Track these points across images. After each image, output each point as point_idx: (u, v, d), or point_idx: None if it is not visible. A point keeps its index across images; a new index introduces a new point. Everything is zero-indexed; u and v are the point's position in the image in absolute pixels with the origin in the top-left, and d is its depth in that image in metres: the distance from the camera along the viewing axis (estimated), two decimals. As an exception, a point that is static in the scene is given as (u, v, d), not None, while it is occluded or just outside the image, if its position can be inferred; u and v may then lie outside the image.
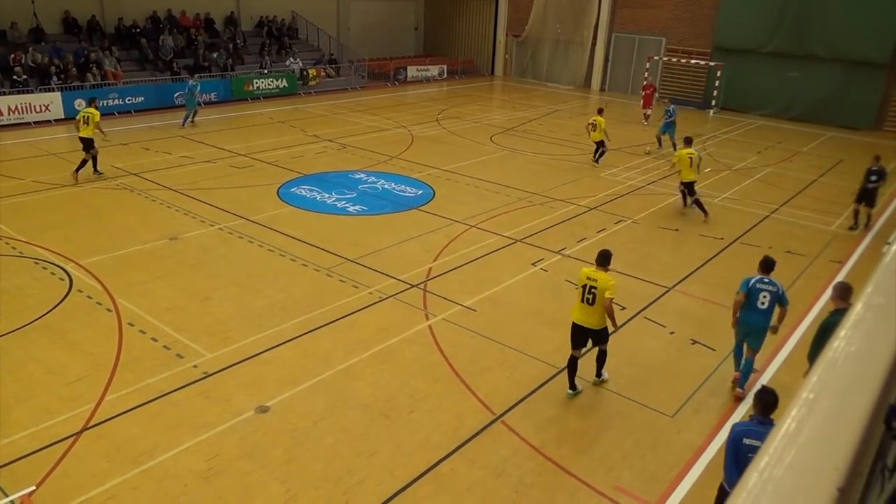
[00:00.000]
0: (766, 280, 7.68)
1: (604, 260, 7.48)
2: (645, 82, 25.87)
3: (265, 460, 6.53)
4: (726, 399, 7.89)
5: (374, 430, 7.04)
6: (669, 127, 19.37)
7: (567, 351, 7.71)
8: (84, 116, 15.15)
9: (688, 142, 14.34)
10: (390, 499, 6.10)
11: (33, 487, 6.03)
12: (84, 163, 15.06)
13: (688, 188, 14.18)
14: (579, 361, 7.73)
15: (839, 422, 1.14)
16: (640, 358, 8.69)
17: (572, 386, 7.71)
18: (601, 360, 7.89)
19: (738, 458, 4.84)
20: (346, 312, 9.48)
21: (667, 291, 10.63)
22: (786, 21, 25.64)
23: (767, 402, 5.04)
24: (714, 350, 8.89)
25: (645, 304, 10.15)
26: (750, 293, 7.57)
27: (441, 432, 7.04)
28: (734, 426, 5.19)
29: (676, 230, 13.45)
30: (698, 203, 14.12)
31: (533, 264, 11.43)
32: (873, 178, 13.63)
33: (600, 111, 17.84)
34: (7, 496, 5.93)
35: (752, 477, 1.07)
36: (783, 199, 15.85)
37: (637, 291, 10.55)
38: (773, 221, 14.30)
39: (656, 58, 29.23)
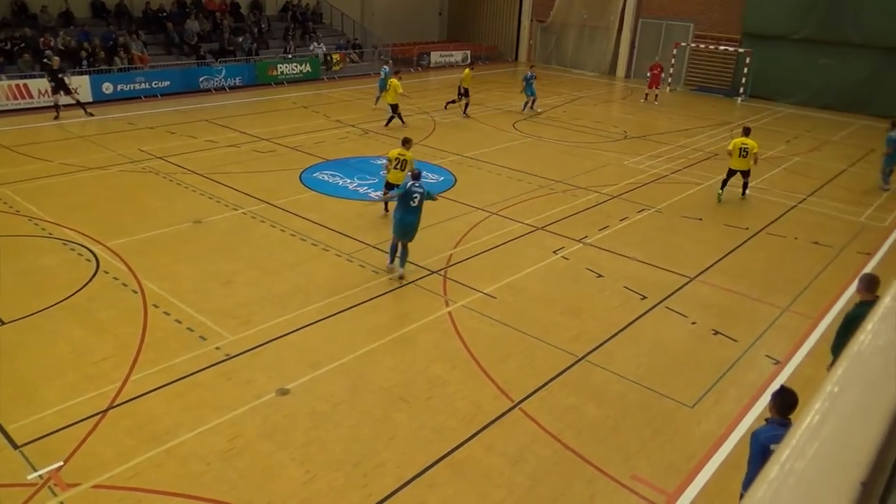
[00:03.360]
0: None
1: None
2: (654, 62, 25.94)
3: (285, 442, 6.62)
4: (748, 390, 7.81)
5: (393, 415, 7.09)
6: (528, 88, 22.36)
7: (589, 339, 7.69)
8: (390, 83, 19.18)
9: (746, 132, 13.98)
10: (408, 482, 6.15)
11: (61, 463, 6.18)
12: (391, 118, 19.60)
13: (730, 175, 14.14)
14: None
15: (864, 416, 1.12)
16: (660, 348, 8.63)
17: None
18: None
19: (764, 465, 4.62)
20: (367, 298, 9.54)
21: (689, 281, 10.53)
22: (818, 6, 25.02)
23: (789, 403, 4.82)
24: (736, 341, 8.80)
25: (667, 293, 10.06)
26: None
27: (459, 418, 7.07)
28: (757, 434, 4.87)
29: (700, 219, 13.29)
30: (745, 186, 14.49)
31: (554, 252, 11.37)
32: None
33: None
34: (36, 471, 6.08)
35: (774, 469, 1.06)
36: (811, 189, 15.56)
37: (659, 281, 10.45)
38: (800, 212, 14.06)
39: (683, 44, 28.76)
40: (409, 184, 9.60)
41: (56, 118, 19.17)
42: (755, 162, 13.90)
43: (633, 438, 6.90)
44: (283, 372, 7.73)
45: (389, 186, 11.88)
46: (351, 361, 8.01)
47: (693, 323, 9.28)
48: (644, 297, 9.88)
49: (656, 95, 25.45)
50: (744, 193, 14.55)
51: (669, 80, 28.24)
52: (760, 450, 4.71)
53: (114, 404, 7.05)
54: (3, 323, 8.52)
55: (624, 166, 16.88)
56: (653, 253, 11.46)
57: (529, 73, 22.76)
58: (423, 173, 10.91)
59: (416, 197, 9.53)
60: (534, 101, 22.88)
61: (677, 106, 25.53)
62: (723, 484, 6.24)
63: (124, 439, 6.54)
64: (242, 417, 6.94)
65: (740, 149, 13.72)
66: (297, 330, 8.63)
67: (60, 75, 19.25)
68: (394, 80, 19.37)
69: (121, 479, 6.05)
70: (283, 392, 7.37)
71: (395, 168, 11.77)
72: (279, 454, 6.45)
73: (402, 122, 19.99)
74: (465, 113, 21.91)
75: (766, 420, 5.04)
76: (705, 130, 21.41)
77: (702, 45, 28.34)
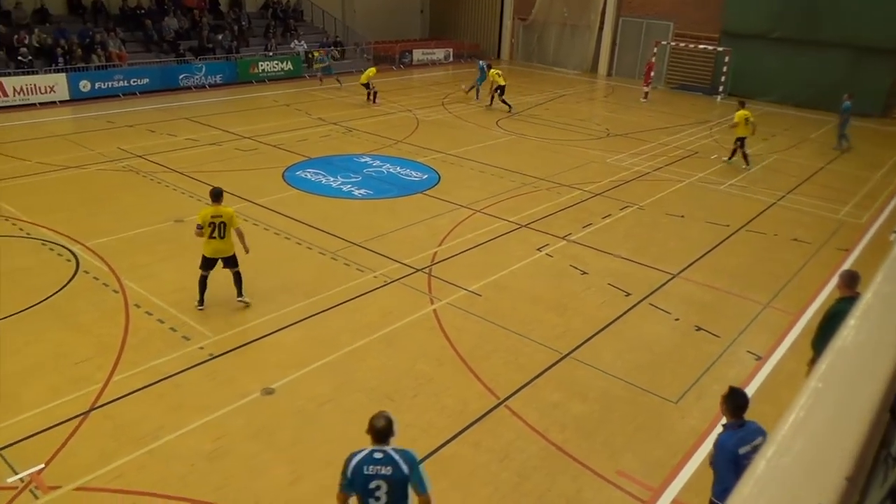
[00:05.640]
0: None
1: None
2: (650, 61, 26.51)
3: (271, 442, 6.59)
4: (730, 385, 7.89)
5: (379, 413, 7.07)
6: (481, 80, 24.27)
7: (573, 336, 7.74)
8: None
9: (743, 104, 16.88)
10: (394, 481, 6.15)
11: (42, 465, 6.11)
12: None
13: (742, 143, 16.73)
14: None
15: (847, 411, 1.14)
16: (644, 344, 8.71)
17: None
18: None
19: (738, 470, 4.49)
20: (352, 296, 9.51)
21: (672, 278, 10.63)
22: (794, 6, 25.34)
23: (740, 404, 4.83)
24: (719, 337, 8.91)
25: (650, 290, 10.16)
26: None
27: (445, 416, 7.09)
28: (723, 442, 4.78)
29: (682, 216, 13.41)
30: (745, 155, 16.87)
31: (538, 249, 11.42)
32: None
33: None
34: (16, 473, 6.01)
35: (760, 465, 1.08)
36: (790, 187, 15.77)
37: (642, 277, 10.55)
38: (779, 209, 14.24)
39: (664, 42, 28.97)
40: (362, 457, 4.44)
41: None
42: (753, 131, 16.84)
43: (618, 434, 6.96)
44: (267, 371, 7.69)
45: (208, 263, 8.76)
46: (336, 360, 7.99)
47: (676, 319, 9.37)
48: (628, 294, 9.96)
49: (646, 93, 25.82)
50: (732, 158, 17.28)
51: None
52: (731, 457, 4.66)
53: (96, 406, 6.98)
54: (-19, 325, 8.39)
55: (606, 164, 16.99)
56: (636, 250, 11.55)
57: (482, 63, 25.28)
58: (408, 171, 10.65)
59: (377, 489, 4.38)
60: (478, 91, 24.85)
61: (659, 104, 25.71)
62: (707, 478, 6.30)
63: (107, 441, 6.47)
64: (227, 417, 6.90)
65: (745, 119, 16.32)
66: (282, 329, 8.59)
67: None
68: (493, 71, 22.72)
69: (103, 480, 5.99)
70: (269, 392, 7.33)
71: (212, 237, 8.58)
72: (265, 454, 6.42)
73: (510, 107, 22.42)
74: (509, 108, 22.61)
75: (724, 426, 4.94)
76: (686, 128, 21.60)
77: (681, 44, 28.58)
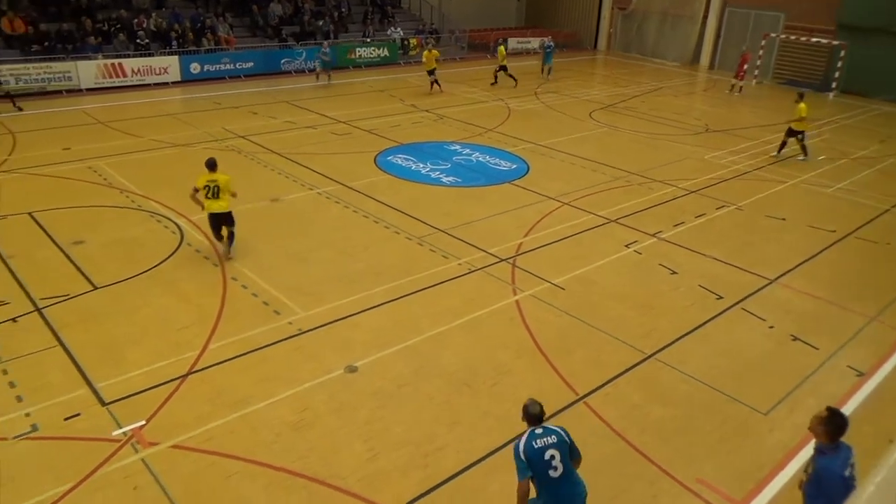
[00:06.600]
0: None
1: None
2: (744, 52, 25.18)
3: (351, 418, 6.80)
4: (827, 401, 7.44)
5: (456, 400, 7.16)
6: (549, 57, 26.04)
7: (659, 336, 7.53)
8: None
9: (801, 97, 16.33)
10: (468, 467, 6.22)
11: (143, 422, 6.57)
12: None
13: (791, 135, 16.40)
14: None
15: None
16: (734, 350, 8.35)
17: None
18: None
19: (847, 493, 4.25)
20: (436, 282, 9.63)
21: (768, 283, 10.12)
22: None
23: (841, 427, 4.52)
24: (817, 349, 8.42)
25: (744, 294, 9.71)
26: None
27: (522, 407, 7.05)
28: (826, 466, 4.50)
29: (784, 219, 12.72)
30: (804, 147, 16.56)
31: (626, 246, 11.15)
32: None
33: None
34: (120, 427, 6.49)
35: (869, 489, 1.03)
36: (908, 193, 14.62)
37: (736, 280, 10.10)
38: (893, 216, 13.24)
39: (773, 35, 27.39)
40: (527, 437, 4.78)
41: None
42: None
43: (699, 441, 6.73)
44: (351, 350, 7.93)
45: (214, 219, 9.90)
46: (417, 344, 8.13)
47: (771, 327, 8.93)
48: (720, 297, 9.58)
49: (741, 87, 24.60)
50: (805, 154, 16.71)
51: (756, 72, 27.02)
52: (841, 482, 4.42)
53: (193, 370, 7.42)
54: (96, 288, 9.09)
55: (704, 160, 16.32)
56: (731, 252, 11.07)
57: (549, 43, 26.25)
58: (497, 160, 10.74)
59: (552, 458, 4.72)
60: (550, 70, 26.17)
61: (764, 99, 24.40)
62: (795, 496, 6.01)
63: (202, 404, 6.88)
64: (311, 391, 7.17)
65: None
66: (367, 310, 8.82)
67: None
68: (501, 48, 24.41)
69: (197, 441, 6.38)
70: (352, 370, 7.56)
71: (207, 197, 9.73)
72: (345, 429, 6.64)
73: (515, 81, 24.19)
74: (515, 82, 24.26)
75: (821, 451, 4.62)
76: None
77: (792, 37, 26.92)
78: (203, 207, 9.79)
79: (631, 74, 28.55)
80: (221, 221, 9.96)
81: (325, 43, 24.53)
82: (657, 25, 32.55)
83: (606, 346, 8.29)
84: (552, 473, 4.67)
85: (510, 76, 24.08)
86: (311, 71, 24.39)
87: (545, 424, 4.86)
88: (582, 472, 6.29)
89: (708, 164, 16.02)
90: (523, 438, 4.73)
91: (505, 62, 24.02)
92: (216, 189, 9.74)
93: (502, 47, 24.49)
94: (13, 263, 9.62)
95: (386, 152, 15.73)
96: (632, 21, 33.60)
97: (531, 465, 4.65)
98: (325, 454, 6.31)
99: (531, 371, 7.74)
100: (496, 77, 24.26)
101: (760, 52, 26.91)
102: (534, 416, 4.84)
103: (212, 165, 9.81)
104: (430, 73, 22.25)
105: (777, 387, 7.64)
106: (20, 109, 17.92)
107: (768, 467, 6.40)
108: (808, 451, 6.61)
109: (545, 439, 4.72)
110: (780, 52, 27.98)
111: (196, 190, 9.72)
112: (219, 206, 9.81)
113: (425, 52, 22.50)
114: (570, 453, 4.81)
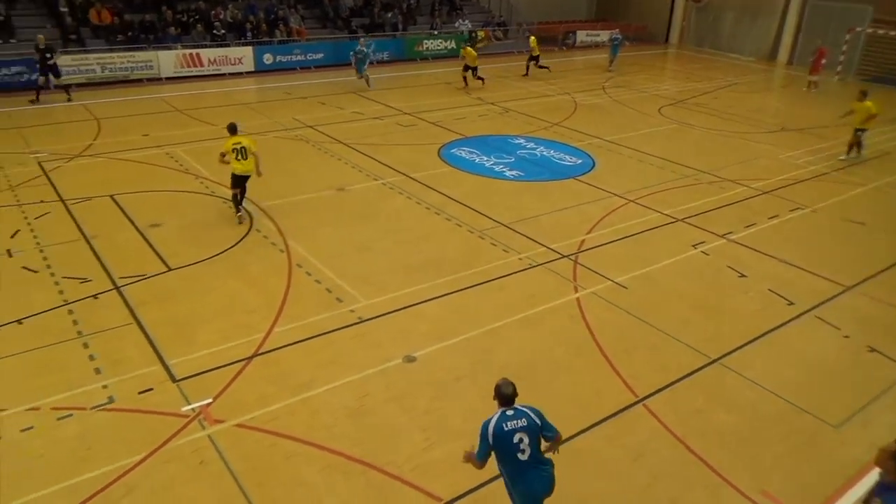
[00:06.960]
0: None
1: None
2: (821, 47, 23.91)
3: (409, 407, 6.89)
4: (904, 417, 7.10)
5: (514, 394, 7.14)
6: (615, 49, 26.07)
7: (724, 341, 7.31)
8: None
9: (865, 94, 15.62)
10: (524, 463, 6.20)
11: (210, 400, 6.84)
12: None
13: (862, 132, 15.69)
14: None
15: None
16: (805, 359, 8.03)
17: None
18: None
19: None
20: (496, 276, 9.62)
21: (845, 290, 9.66)
22: None
23: None
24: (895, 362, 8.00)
25: (818, 301, 9.31)
26: None
27: (579, 406, 7.00)
28: None
29: (864, 224, 12.10)
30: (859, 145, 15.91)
31: (693, 246, 10.85)
32: None
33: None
34: (189, 404, 6.78)
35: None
36: None
37: (809, 286, 9.68)
38: None
39: (859, 29, 25.97)
40: (497, 418, 4.80)
41: (34, 102, 17.89)
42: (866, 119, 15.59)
43: (764, 452, 6.51)
44: (410, 340, 8.02)
45: (238, 180, 10.86)
46: (476, 337, 8.15)
47: (846, 336, 8.53)
48: (791, 304, 9.21)
49: (816, 83, 23.51)
50: (859, 152, 16.03)
51: (839, 68, 25.72)
52: None
53: (258, 352, 7.67)
54: (170, 269, 9.49)
55: (778, 160, 15.67)
56: (804, 256, 10.61)
57: (617, 35, 26.25)
58: (561, 155, 10.57)
59: (520, 441, 4.72)
60: (613, 61, 26.25)
61: (847, 97, 23.13)
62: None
63: (266, 386, 7.10)
64: (371, 379, 7.30)
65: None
66: (427, 301, 8.90)
67: (48, 55, 17.91)
68: (532, 38, 24.68)
69: (260, 421, 6.60)
70: (410, 359, 7.65)
71: (237, 159, 10.68)
72: (402, 418, 6.73)
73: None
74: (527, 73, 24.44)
75: (888, 487, 4.24)
76: (876, 126, 19.29)
77: (880, 31, 25.45)
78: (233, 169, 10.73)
79: (704, 69, 27.65)
80: (244, 181, 10.90)
81: (362, 40, 22.55)
82: (734, 19, 31.42)
83: (669, 348, 8.11)
84: (520, 456, 4.69)
85: (542, 67, 24.24)
86: (379, 62, 24.65)
87: (517, 406, 4.84)
88: (640, 473, 6.19)
89: (783, 164, 15.38)
90: (493, 419, 4.75)
91: (537, 52, 24.11)
92: (243, 150, 10.64)
93: (533, 38, 24.65)
94: (96, 243, 10.15)
95: (450, 145, 15.77)
96: (706, 14, 32.52)
97: (499, 445, 4.69)
98: (382, 441, 6.42)
99: (589, 370, 7.64)
100: (528, 69, 24.46)
101: (844, 48, 25.57)
102: (506, 396, 4.84)
103: (233, 129, 10.73)
104: (474, 70, 21.93)
105: (850, 399, 7.30)
106: (70, 100, 18.41)
107: (838, 482, 6.14)
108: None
109: (515, 422, 4.72)
110: (867, 48, 26.52)
111: (223, 154, 10.71)
112: (245, 168, 10.74)
113: (463, 49, 22.63)
114: (539, 438, 4.78)
